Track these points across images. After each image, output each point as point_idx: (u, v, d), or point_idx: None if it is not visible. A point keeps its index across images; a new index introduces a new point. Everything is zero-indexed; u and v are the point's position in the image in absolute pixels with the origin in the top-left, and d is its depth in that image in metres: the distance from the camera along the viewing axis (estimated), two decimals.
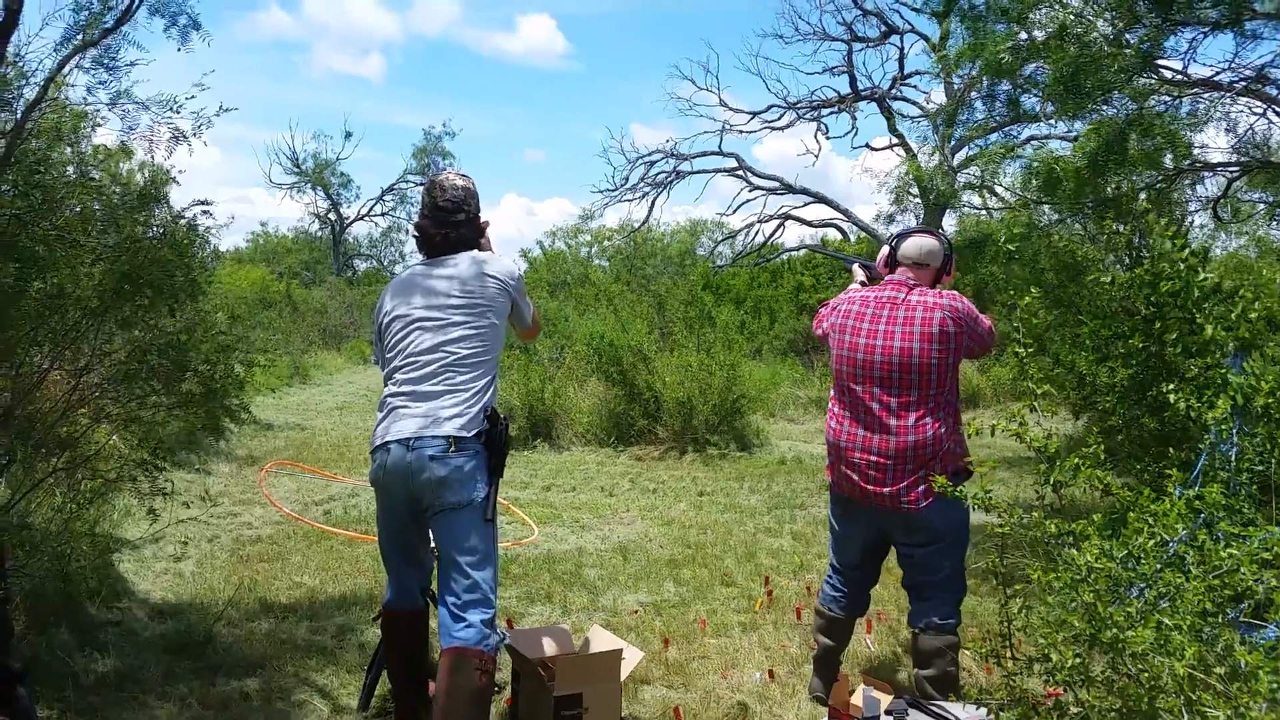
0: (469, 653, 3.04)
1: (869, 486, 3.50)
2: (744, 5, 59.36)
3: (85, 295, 4.02)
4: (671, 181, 23.97)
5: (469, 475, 3.10)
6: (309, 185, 39.08)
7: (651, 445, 10.45)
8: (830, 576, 3.89)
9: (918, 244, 3.66)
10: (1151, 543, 2.35)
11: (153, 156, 4.56)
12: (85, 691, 3.70)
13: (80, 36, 4.17)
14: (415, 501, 3.17)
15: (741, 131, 23.37)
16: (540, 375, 11.37)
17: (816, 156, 29.01)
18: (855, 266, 4.24)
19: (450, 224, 3.35)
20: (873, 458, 3.48)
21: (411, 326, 3.25)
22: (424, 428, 3.10)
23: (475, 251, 3.38)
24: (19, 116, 4.05)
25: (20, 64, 4.11)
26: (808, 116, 23.20)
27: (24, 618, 3.88)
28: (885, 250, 3.76)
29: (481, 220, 3.46)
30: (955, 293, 3.54)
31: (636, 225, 26.05)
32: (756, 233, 24.21)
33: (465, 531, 3.11)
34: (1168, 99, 7.20)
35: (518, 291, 3.39)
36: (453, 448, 3.08)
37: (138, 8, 4.24)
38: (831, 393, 3.75)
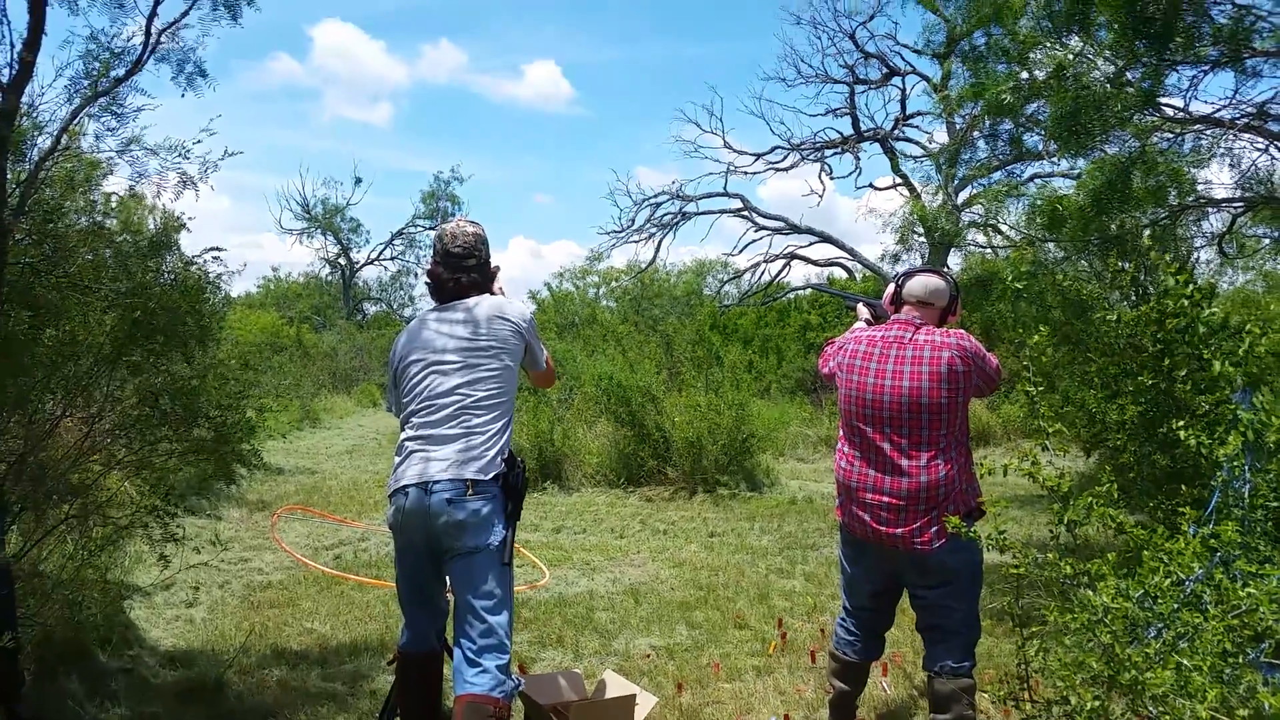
0: (484, 700, 3.02)
1: (881, 527, 3.47)
2: (746, 49, 60.05)
3: (97, 342, 4.05)
4: (677, 222, 24.12)
5: (486, 519, 3.10)
6: (319, 230, 39.42)
7: (661, 486, 10.42)
8: (843, 619, 3.85)
9: (923, 283, 3.66)
10: (1168, 582, 2.33)
11: (161, 201, 4.61)
12: None
13: (90, 86, 4.23)
14: (433, 545, 3.17)
15: (746, 173, 23.55)
16: (549, 417, 11.38)
17: (821, 196, 29.13)
18: (859, 305, 4.24)
19: (462, 269, 3.39)
20: (884, 498, 3.45)
21: (427, 370, 3.26)
22: (442, 471, 3.10)
23: (488, 295, 3.42)
24: (32, 166, 4.10)
25: (34, 115, 4.17)
26: (811, 157, 23.38)
27: (34, 666, 3.87)
28: (891, 289, 3.76)
29: (493, 265, 3.51)
30: (963, 331, 3.53)
31: (643, 266, 26.16)
32: (762, 272, 24.30)
33: (482, 575, 3.10)
34: (1170, 136, 7.25)
35: (530, 334, 3.41)
36: (470, 491, 3.08)
37: (148, 58, 4.29)
38: (840, 432, 3.74)
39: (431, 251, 3.50)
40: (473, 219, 3.53)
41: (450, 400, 3.20)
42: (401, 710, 3.52)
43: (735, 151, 24.38)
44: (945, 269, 3.96)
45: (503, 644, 3.10)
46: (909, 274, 3.72)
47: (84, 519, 4.10)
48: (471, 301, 3.36)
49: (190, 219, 4.81)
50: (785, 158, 23.41)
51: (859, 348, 3.62)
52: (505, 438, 3.23)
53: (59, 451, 4.09)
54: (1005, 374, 3.68)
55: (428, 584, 3.32)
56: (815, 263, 24.35)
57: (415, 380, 3.29)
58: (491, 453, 3.16)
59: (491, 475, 3.13)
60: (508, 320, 3.32)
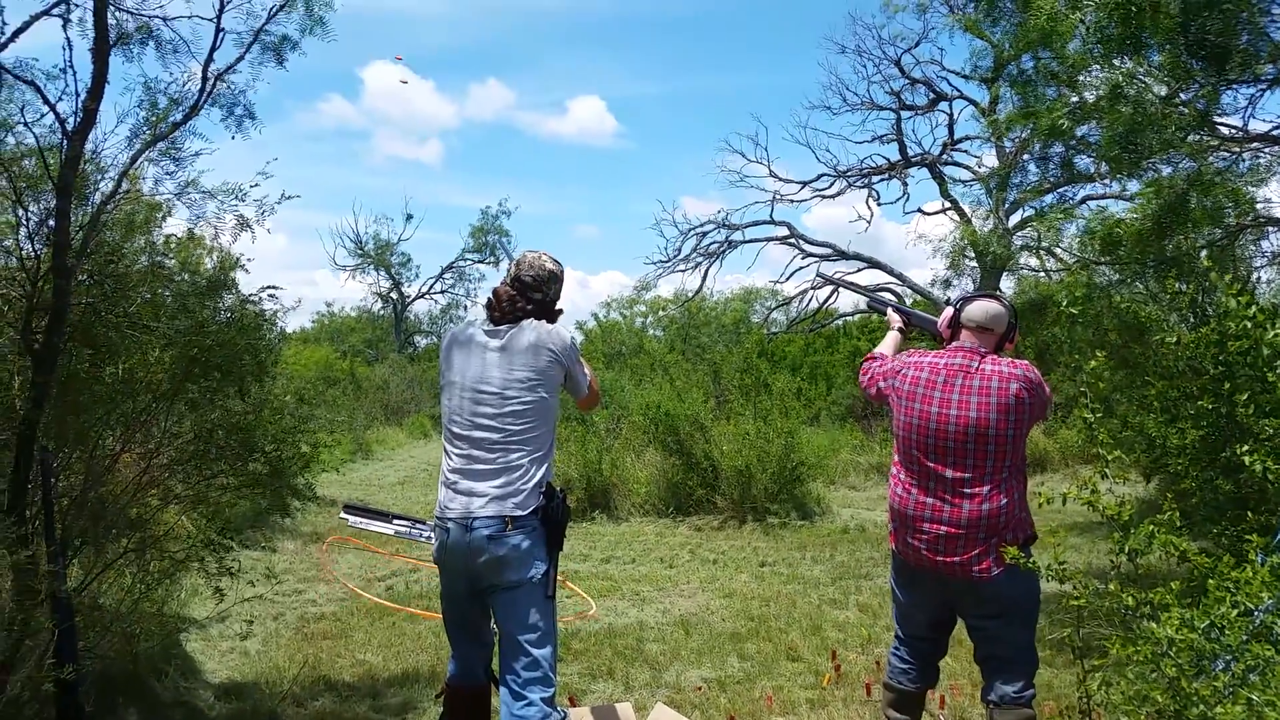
0: None
1: (937, 557, 3.41)
2: (790, 79, 60.17)
3: (156, 379, 4.13)
4: (724, 251, 24.15)
5: (527, 553, 3.10)
6: (372, 266, 40.07)
7: (710, 515, 10.35)
8: (896, 648, 3.78)
9: (984, 308, 3.59)
10: (1235, 612, 2.26)
11: (219, 244, 4.70)
12: None
13: (150, 131, 4.34)
14: (475, 580, 3.17)
15: (792, 200, 23.55)
16: (597, 446, 11.38)
17: (869, 222, 29.01)
18: (890, 311, 4.17)
19: (525, 298, 3.36)
20: (943, 528, 3.39)
21: (466, 397, 3.26)
22: (481, 507, 3.11)
23: (532, 322, 3.35)
24: (94, 209, 4.22)
25: (98, 159, 4.30)
26: (858, 184, 23.32)
27: (94, 698, 3.92)
28: (949, 312, 3.70)
29: (557, 307, 3.47)
30: (1026, 362, 3.48)
31: (690, 295, 26.18)
32: (810, 299, 24.20)
33: (525, 609, 3.10)
34: (1227, 155, 7.12)
35: (570, 360, 3.34)
36: (509, 526, 3.09)
37: (205, 103, 4.40)
38: (895, 458, 3.67)
39: (505, 272, 3.50)
40: (556, 258, 3.50)
41: (486, 435, 3.19)
42: None
43: (781, 180, 24.36)
44: (1001, 293, 3.89)
45: (547, 676, 3.10)
46: (967, 299, 3.66)
47: (142, 553, 4.16)
48: (519, 327, 3.31)
49: (249, 260, 4.90)
50: (831, 184, 23.39)
51: (920, 375, 3.54)
52: (544, 470, 3.22)
53: (118, 487, 4.17)
54: (1056, 398, 3.61)
55: (472, 617, 3.32)
56: (864, 289, 24.18)
57: (456, 404, 3.28)
58: (529, 486, 3.15)
59: (530, 510, 3.13)
60: (547, 349, 3.27)
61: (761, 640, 5.78)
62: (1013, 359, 3.50)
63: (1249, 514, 3.56)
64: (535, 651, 3.09)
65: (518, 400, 3.20)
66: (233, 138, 4.48)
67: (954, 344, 3.58)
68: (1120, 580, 2.48)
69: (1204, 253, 7.11)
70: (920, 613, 3.62)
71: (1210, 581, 2.39)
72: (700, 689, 4.90)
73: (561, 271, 3.46)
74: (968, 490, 3.36)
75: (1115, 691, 2.44)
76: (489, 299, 3.42)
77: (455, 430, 3.26)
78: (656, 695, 4.71)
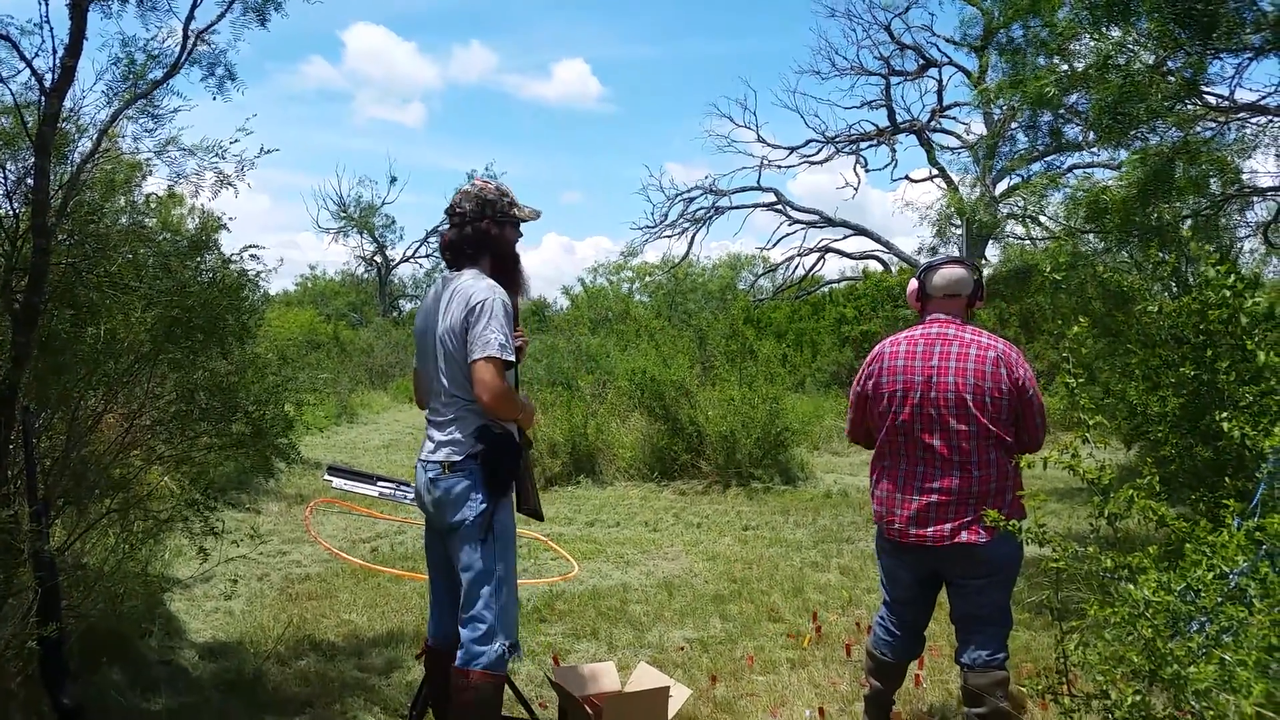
0: (459, 672, 3.15)
1: (926, 529, 3.43)
2: (780, 43, 59.76)
3: (138, 340, 4.10)
4: (710, 217, 24.12)
5: (461, 496, 3.16)
6: (355, 229, 39.76)
7: (695, 479, 10.41)
8: (883, 616, 3.78)
9: (945, 275, 3.61)
10: (1211, 575, 2.29)
11: (199, 202, 4.65)
12: None
13: (129, 89, 4.27)
14: (433, 522, 3.32)
15: (779, 166, 23.56)
16: (583, 411, 11.39)
17: (855, 189, 29.03)
18: None
19: (456, 229, 3.31)
20: (933, 497, 3.41)
21: (421, 349, 3.37)
22: (431, 452, 3.25)
23: (475, 271, 3.27)
24: (74, 169, 4.16)
25: (76, 118, 4.23)
26: (846, 150, 23.27)
27: (78, 657, 3.93)
28: (913, 284, 3.72)
29: (493, 230, 3.32)
30: (1010, 343, 3.53)
31: (677, 261, 26.15)
32: (797, 266, 24.23)
33: (460, 550, 3.18)
34: (1213, 125, 7.12)
35: (476, 316, 3.11)
36: (445, 470, 3.18)
37: (185, 61, 4.33)
38: (877, 450, 3.67)
39: None
40: (494, 182, 3.40)
41: (439, 384, 3.26)
42: (432, 702, 3.55)
43: (769, 145, 24.30)
44: (961, 256, 3.93)
45: (480, 616, 3.14)
46: (931, 267, 3.69)
47: (125, 513, 4.15)
48: (456, 276, 3.28)
49: (230, 219, 4.85)
50: (819, 150, 23.33)
51: (898, 349, 3.56)
52: (482, 420, 3.19)
53: (101, 447, 4.15)
54: (1040, 365, 3.63)
55: (443, 561, 3.37)
56: (850, 255, 24.21)
57: (419, 352, 3.40)
58: (464, 433, 3.19)
59: (466, 455, 3.17)
60: (465, 299, 3.16)
61: (744, 602, 5.83)
62: (993, 335, 3.54)
63: (1227, 480, 3.60)
64: (470, 589, 3.16)
65: (453, 349, 3.18)
66: (214, 98, 4.41)
67: (929, 317, 3.61)
68: (1099, 544, 2.50)
69: (1187, 223, 7.14)
70: (906, 572, 3.64)
71: (1187, 546, 2.42)
72: (683, 649, 4.95)
73: (490, 192, 3.34)
74: (956, 459, 3.38)
75: (1092, 652, 2.47)
76: None
77: (424, 381, 3.39)
78: (640, 655, 4.76)
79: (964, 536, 3.37)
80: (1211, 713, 1.97)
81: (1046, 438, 3.53)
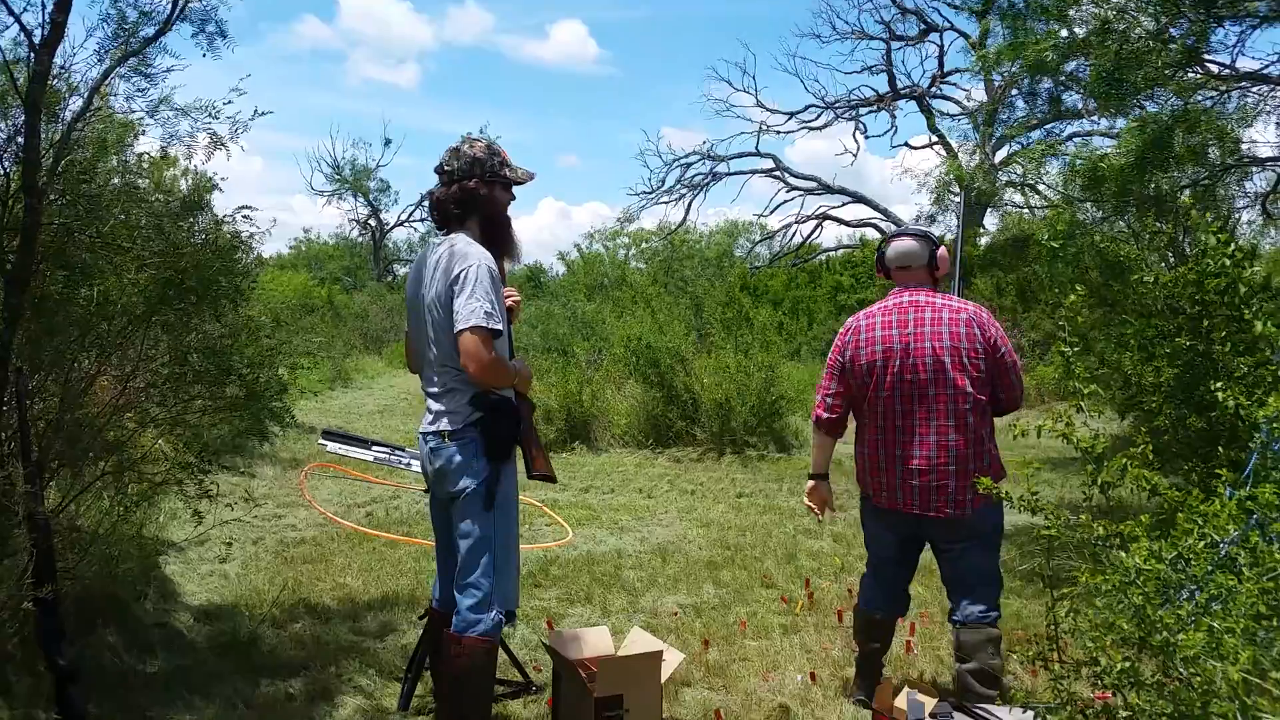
0: (450, 638, 3.15)
1: (912, 499, 3.48)
2: (780, 5, 59.20)
3: (131, 301, 4.08)
4: (708, 183, 24.01)
5: (461, 465, 3.14)
6: (349, 192, 39.48)
7: (689, 447, 10.43)
8: (869, 577, 3.86)
9: (897, 249, 3.68)
10: (1202, 544, 2.29)
11: (193, 163, 4.61)
12: (134, 692, 3.77)
13: (120, 47, 4.21)
14: (436, 491, 3.32)
15: (778, 132, 23.37)
16: (578, 378, 11.40)
17: (855, 156, 28.85)
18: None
19: (445, 187, 3.25)
20: (915, 464, 3.45)
21: (412, 316, 3.33)
22: (431, 423, 3.22)
23: (463, 236, 3.20)
24: (65, 128, 4.11)
25: (67, 76, 4.18)
26: (846, 116, 23.11)
27: (73, 619, 3.95)
28: (896, 251, 3.74)
29: (482, 190, 3.22)
30: (979, 305, 3.57)
31: (674, 227, 26.06)
32: (794, 233, 24.16)
33: (461, 517, 3.17)
34: (1214, 94, 7.07)
35: (461, 283, 3.03)
36: (445, 440, 3.16)
37: (177, 18, 4.27)
38: (861, 420, 3.70)
39: None
40: (482, 139, 3.36)
41: (431, 354, 3.22)
42: (431, 664, 3.58)
43: (768, 110, 24.13)
44: (914, 227, 3.96)
45: (477, 582, 3.14)
46: (885, 239, 3.79)
47: (119, 475, 4.15)
48: (443, 241, 3.22)
49: (223, 179, 4.84)
50: (819, 116, 23.17)
51: (873, 320, 3.61)
52: (475, 388, 3.16)
53: (94, 409, 4.14)
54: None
55: (447, 528, 3.38)
56: (848, 223, 24.14)
57: (409, 321, 3.35)
58: (460, 403, 3.16)
59: (463, 424, 3.15)
60: (451, 263, 3.10)
61: (737, 568, 5.86)
62: (962, 299, 3.59)
63: (1220, 450, 3.61)
64: (467, 557, 3.16)
65: (440, 318, 3.14)
66: (203, 55, 4.35)
67: (896, 288, 3.66)
68: (1092, 512, 2.51)
69: (1186, 192, 7.11)
70: (889, 533, 3.71)
71: (1179, 515, 2.43)
72: (676, 614, 4.98)
73: (481, 150, 3.26)
74: (934, 423, 3.42)
75: (1083, 619, 2.48)
76: None
77: (416, 349, 3.35)
78: (633, 620, 4.79)
79: (942, 505, 3.42)
80: (1199, 679, 1.98)
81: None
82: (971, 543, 3.50)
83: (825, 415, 3.76)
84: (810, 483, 3.97)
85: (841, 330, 3.74)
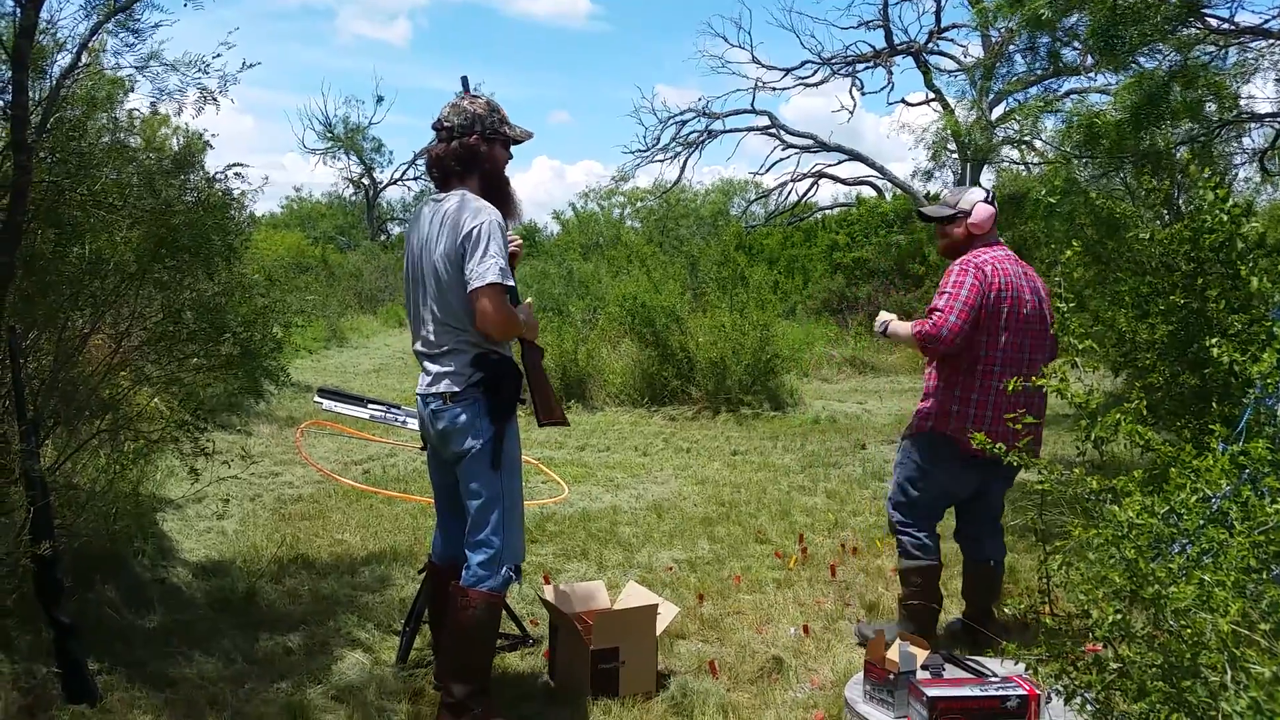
0: (458, 590, 3.17)
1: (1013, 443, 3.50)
2: None
3: (123, 260, 4.06)
4: (703, 141, 23.75)
5: (466, 425, 3.13)
6: (341, 150, 39.10)
7: (685, 405, 10.45)
8: (915, 533, 3.90)
9: (990, 212, 3.85)
10: (1194, 499, 2.31)
11: (183, 119, 4.57)
12: (133, 646, 3.79)
13: (107, 1, 4.15)
14: (438, 452, 3.31)
15: (774, 88, 23.06)
16: (574, 337, 11.38)
17: (851, 113, 28.63)
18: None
19: (444, 144, 3.20)
20: (1034, 412, 3.51)
21: (410, 275, 3.28)
22: (430, 385, 3.19)
23: (465, 192, 3.16)
24: (53, 84, 4.06)
25: (55, 31, 4.12)
26: (842, 72, 22.84)
27: (72, 575, 3.97)
28: (991, 211, 3.84)
29: (482, 147, 3.19)
30: None
31: (669, 186, 25.87)
32: (790, 192, 24.00)
33: (468, 477, 3.17)
34: (1213, 49, 7.01)
35: (472, 240, 3.02)
36: (447, 402, 3.14)
37: None
38: (989, 370, 3.69)
39: None
40: (490, 98, 3.30)
41: (428, 313, 3.18)
42: (430, 617, 3.61)
43: (763, 66, 23.83)
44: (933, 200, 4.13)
45: (488, 540, 3.16)
46: (974, 203, 3.86)
47: (115, 433, 4.16)
48: (445, 198, 3.17)
49: (214, 136, 4.79)
50: (815, 72, 22.89)
51: (1011, 279, 3.70)
52: (478, 348, 3.15)
53: (89, 368, 4.13)
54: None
55: (445, 486, 3.40)
56: (844, 181, 24.00)
57: (406, 280, 3.31)
58: (462, 363, 3.13)
59: (465, 385, 3.13)
60: (457, 220, 3.07)
61: (731, 524, 5.90)
62: None
63: (1214, 406, 3.63)
64: (475, 516, 3.17)
65: (446, 276, 3.10)
66: (185, 4, 4.27)
67: (993, 242, 3.84)
68: (1085, 467, 2.53)
69: (1183, 149, 7.07)
70: (962, 489, 3.89)
71: (1172, 470, 2.44)
72: (671, 569, 5.02)
73: (481, 106, 3.22)
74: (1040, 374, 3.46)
75: (1075, 573, 2.50)
76: None
77: (411, 311, 3.31)
78: (628, 575, 4.82)
79: (1036, 449, 3.54)
80: (1189, 630, 2.01)
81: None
82: (1010, 481, 3.85)
83: (945, 349, 3.67)
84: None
85: (979, 273, 3.67)
